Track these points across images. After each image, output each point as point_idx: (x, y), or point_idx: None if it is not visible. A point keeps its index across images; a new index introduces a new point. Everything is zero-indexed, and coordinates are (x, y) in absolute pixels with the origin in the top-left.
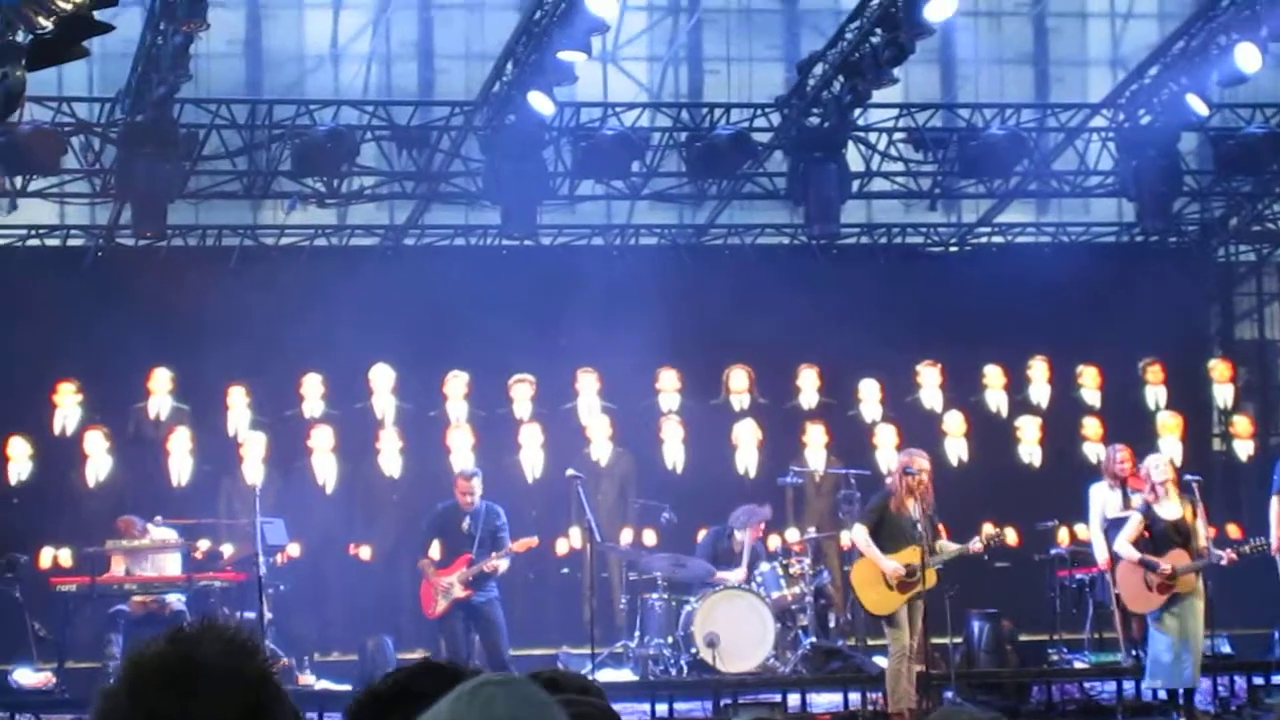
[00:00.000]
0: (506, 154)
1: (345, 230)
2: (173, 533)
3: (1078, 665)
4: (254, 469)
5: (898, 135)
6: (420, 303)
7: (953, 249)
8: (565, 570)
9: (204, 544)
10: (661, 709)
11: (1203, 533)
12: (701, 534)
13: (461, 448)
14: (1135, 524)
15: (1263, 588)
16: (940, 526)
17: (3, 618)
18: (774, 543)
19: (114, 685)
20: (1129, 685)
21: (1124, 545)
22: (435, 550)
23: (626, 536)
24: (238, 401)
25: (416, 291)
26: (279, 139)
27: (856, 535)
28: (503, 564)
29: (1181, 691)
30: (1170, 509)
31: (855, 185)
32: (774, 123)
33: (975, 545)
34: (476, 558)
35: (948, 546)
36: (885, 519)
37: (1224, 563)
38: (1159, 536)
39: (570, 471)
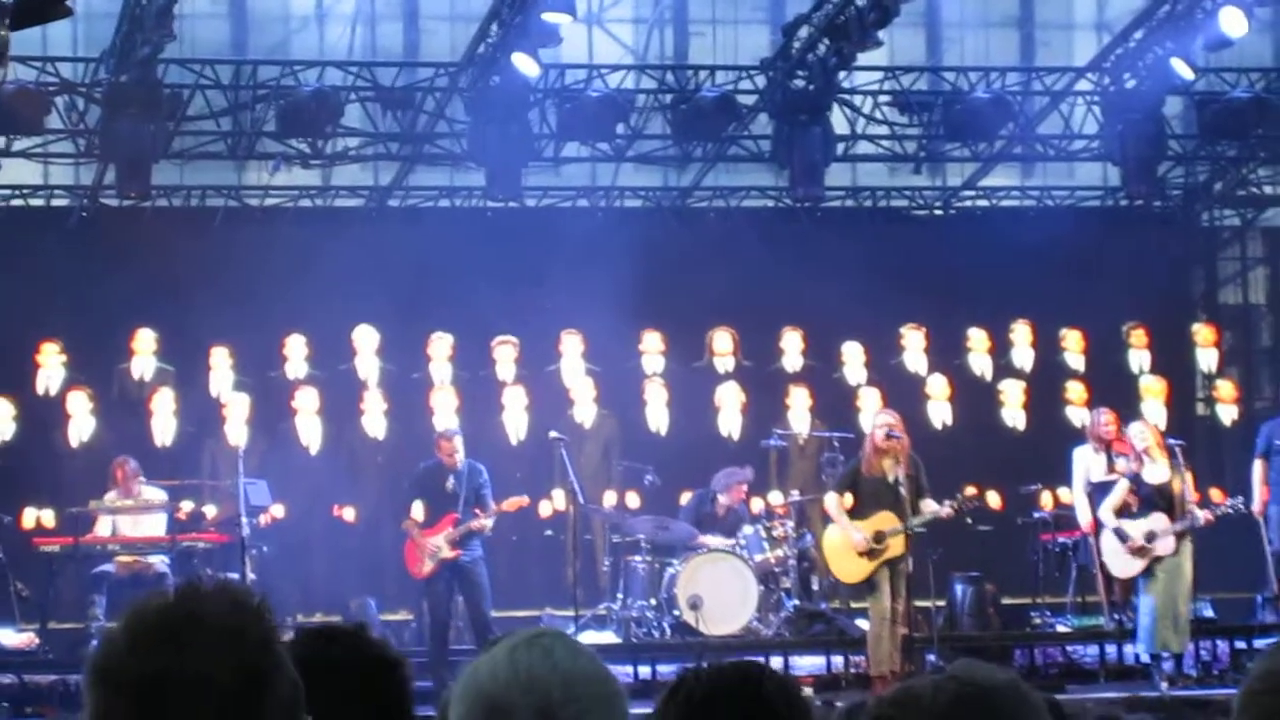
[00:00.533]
0: (491, 116)
1: (330, 191)
2: (161, 493)
3: (1060, 629)
4: (237, 430)
5: (883, 98)
6: (404, 264)
7: (937, 212)
8: (549, 532)
9: (187, 505)
10: (644, 671)
11: (1188, 496)
12: (685, 497)
13: (445, 409)
14: (1121, 491)
15: (1245, 552)
16: (923, 488)
17: None
18: (757, 505)
19: (114, 631)
20: (1111, 649)
21: (1106, 513)
22: (418, 510)
23: (610, 499)
24: (221, 362)
25: (400, 253)
26: (263, 100)
27: (828, 503)
28: (488, 523)
29: (1168, 655)
30: (1156, 473)
31: (840, 148)
32: (759, 85)
33: (945, 510)
34: (463, 517)
35: (927, 507)
36: (858, 483)
37: (1201, 524)
38: (1144, 501)
39: (553, 434)
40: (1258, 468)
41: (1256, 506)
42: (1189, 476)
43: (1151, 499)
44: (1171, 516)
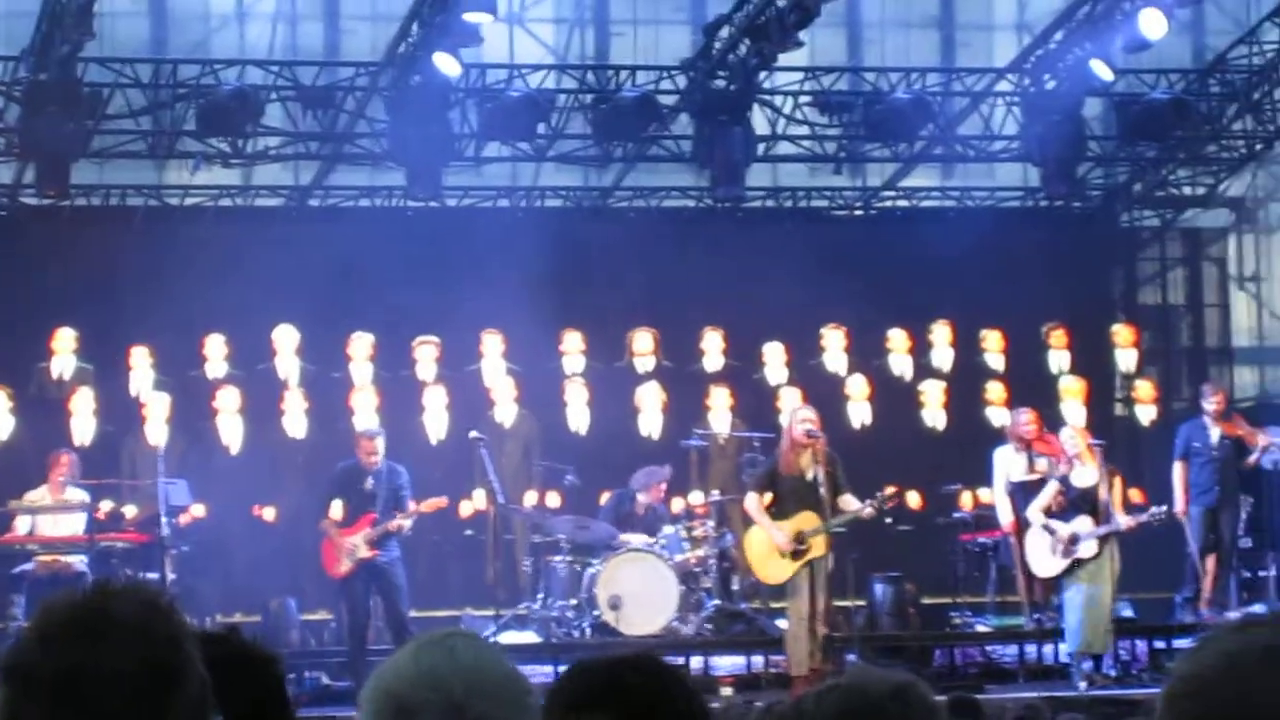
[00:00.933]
0: (412, 115)
1: (250, 191)
2: (82, 493)
3: (980, 629)
4: (157, 430)
5: (803, 99)
6: (325, 264)
7: (858, 213)
8: (469, 532)
9: (106, 505)
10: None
11: (1117, 499)
12: (605, 497)
13: (365, 409)
14: (1050, 492)
15: (1164, 552)
16: (841, 485)
17: None
18: (677, 505)
19: (25, 634)
20: (1031, 649)
21: (1034, 512)
22: (336, 510)
23: (530, 499)
24: (141, 362)
25: (321, 252)
26: (184, 98)
27: (748, 504)
28: (406, 524)
29: (1088, 656)
30: (1084, 476)
31: (761, 148)
32: (680, 85)
33: (866, 510)
34: (381, 517)
35: (849, 504)
36: (777, 482)
37: (1123, 529)
38: (1071, 503)
39: (474, 434)
40: (1178, 469)
41: (1179, 508)
42: (1119, 481)
43: (1078, 502)
44: (1096, 520)
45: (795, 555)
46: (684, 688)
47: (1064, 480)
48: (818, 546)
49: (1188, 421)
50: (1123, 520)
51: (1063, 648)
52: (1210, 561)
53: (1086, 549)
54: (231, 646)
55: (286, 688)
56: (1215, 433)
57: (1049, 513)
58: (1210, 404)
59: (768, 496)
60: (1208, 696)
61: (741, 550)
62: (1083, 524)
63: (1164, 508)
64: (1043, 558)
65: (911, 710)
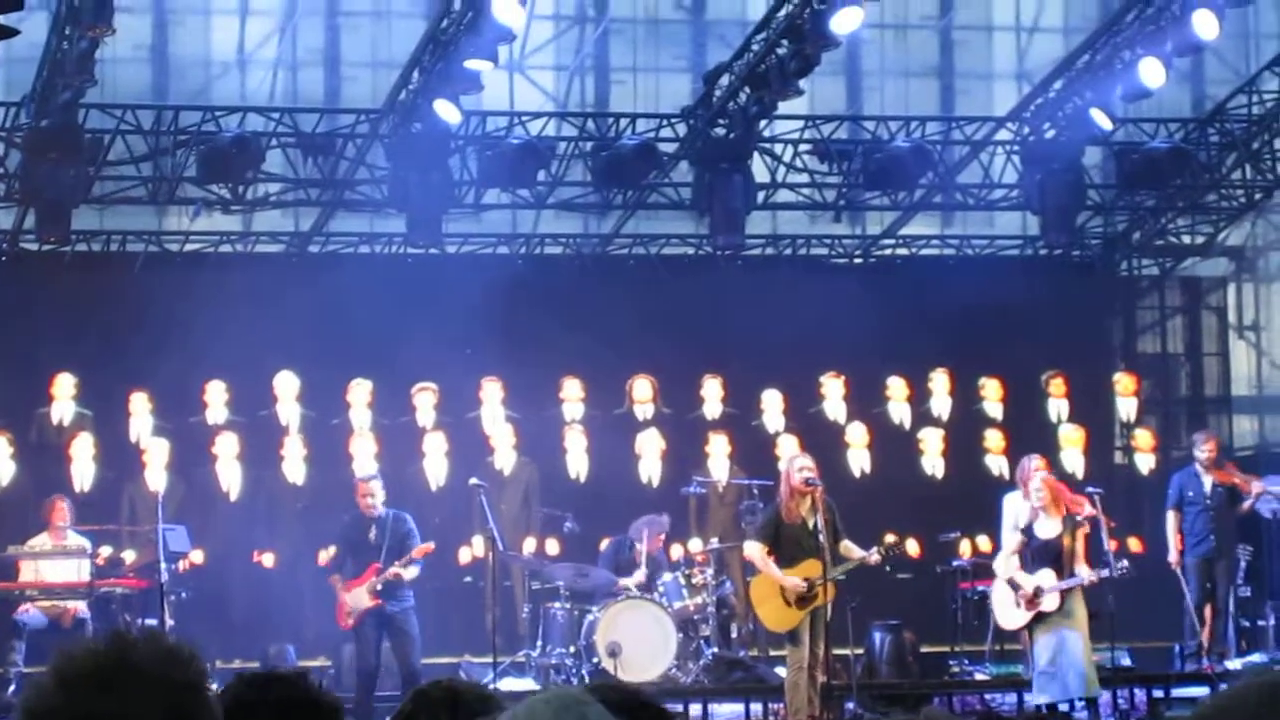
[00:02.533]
0: (412, 162)
1: (250, 237)
2: (83, 539)
3: (979, 677)
4: (157, 475)
5: (803, 147)
6: (324, 310)
7: (857, 261)
8: (468, 579)
9: (106, 550)
10: None
11: (1079, 553)
12: (604, 544)
13: (364, 455)
14: (1014, 541)
15: (1162, 601)
16: (840, 531)
17: None
18: (676, 552)
19: (45, 676)
20: (1029, 699)
21: (1000, 562)
22: (346, 566)
23: (529, 545)
24: (140, 408)
25: (321, 299)
26: (184, 145)
27: (752, 553)
28: (408, 571)
29: (1079, 701)
30: (1048, 528)
31: (760, 196)
32: (680, 133)
33: (873, 557)
34: (384, 566)
35: (851, 552)
36: (780, 531)
37: (1086, 583)
38: (1034, 553)
39: (473, 480)
40: (1171, 519)
41: (1173, 558)
42: (1081, 534)
43: (1041, 553)
44: (1059, 573)
45: (802, 603)
46: None
47: (1028, 531)
48: (823, 594)
49: (1180, 470)
50: (1086, 574)
51: (1031, 698)
52: (1207, 611)
53: (1049, 602)
54: (299, 690)
55: None
56: (1208, 481)
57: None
58: (1203, 452)
59: (768, 546)
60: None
61: (740, 598)
62: (1046, 577)
63: (1125, 563)
64: (1007, 609)
65: None
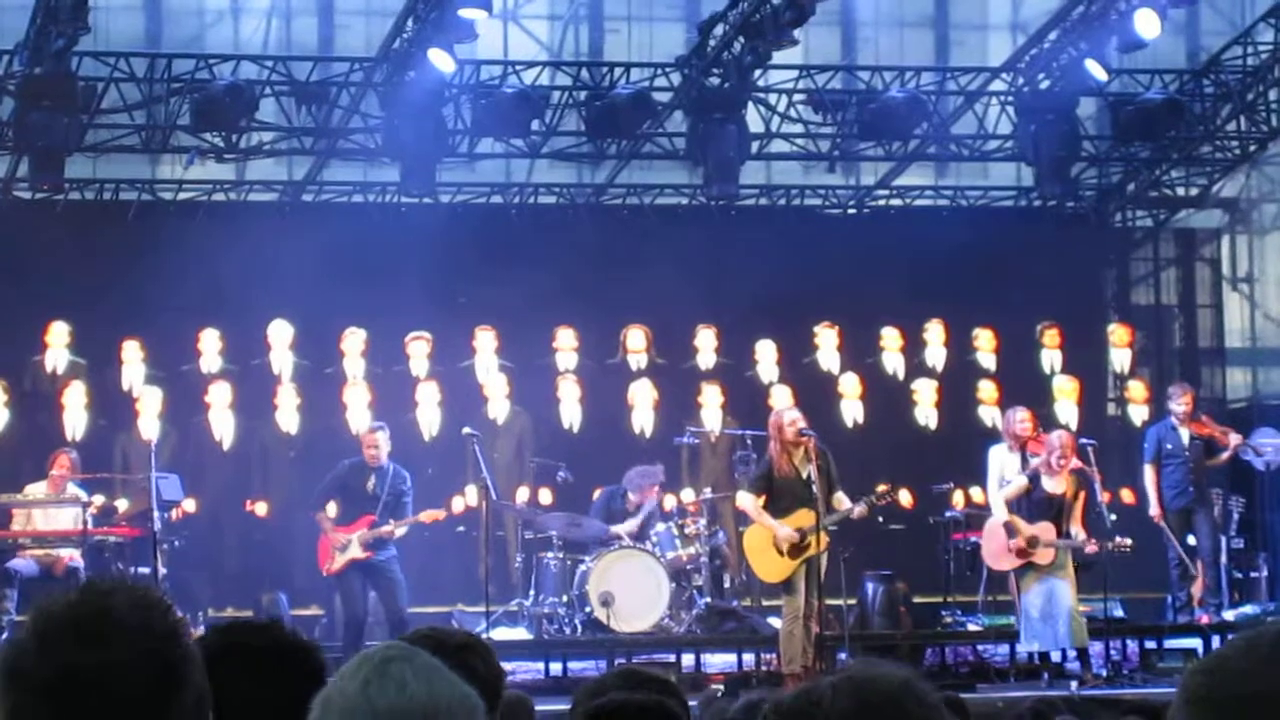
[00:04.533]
0: (406, 111)
1: (243, 186)
2: (81, 491)
3: (971, 628)
4: (150, 424)
5: (797, 97)
6: (318, 259)
7: (851, 211)
8: (461, 528)
9: (99, 499)
10: (555, 668)
11: (1078, 514)
12: (596, 493)
13: (358, 405)
14: (1018, 486)
15: (1155, 553)
16: (834, 482)
17: None
18: (669, 503)
19: (22, 636)
20: (1020, 648)
21: (998, 502)
22: (333, 507)
23: (522, 495)
24: (134, 356)
25: (314, 248)
26: (178, 93)
27: (745, 503)
28: (400, 530)
29: (1071, 652)
30: (1055, 483)
31: (754, 146)
32: (674, 83)
33: (860, 508)
34: (379, 520)
35: (841, 503)
36: (774, 483)
37: (1089, 551)
38: (1035, 504)
39: (467, 430)
40: (1149, 473)
41: (1154, 511)
42: (1082, 497)
43: (1040, 504)
44: (1058, 527)
45: (795, 553)
46: None
47: (1034, 479)
48: (816, 544)
49: (1156, 424)
50: (1083, 538)
51: (1022, 646)
52: (1196, 563)
53: (1043, 556)
54: (276, 637)
55: (326, 678)
56: (1185, 434)
57: (1011, 505)
58: (1179, 405)
59: (762, 498)
60: (1219, 672)
61: (733, 548)
62: (1046, 530)
63: (1129, 541)
64: (998, 551)
65: (923, 702)
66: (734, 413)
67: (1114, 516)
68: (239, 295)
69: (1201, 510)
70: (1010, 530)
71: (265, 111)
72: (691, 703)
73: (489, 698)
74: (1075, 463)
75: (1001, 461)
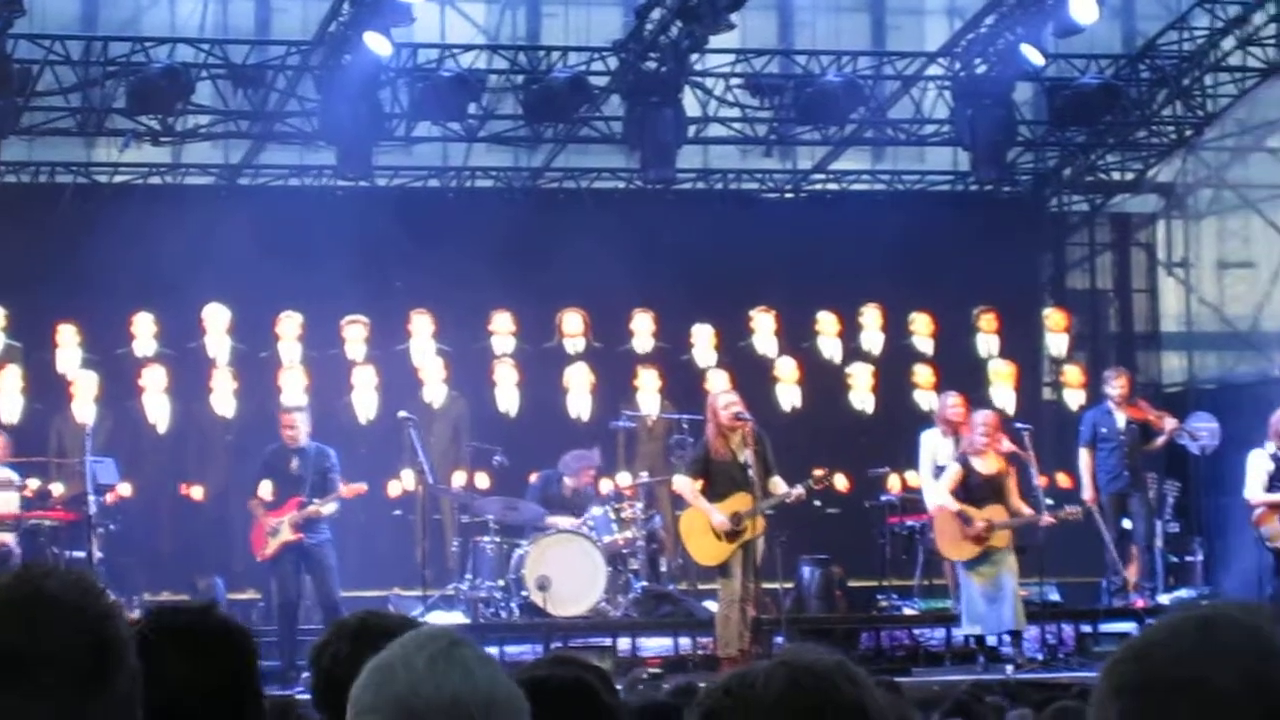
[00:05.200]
0: (342, 94)
1: (180, 169)
2: (12, 473)
3: (907, 611)
4: (85, 407)
5: (735, 81)
6: (254, 243)
7: (788, 195)
8: (397, 512)
9: (34, 483)
10: (492, 652)
11: (1015, 490)
12: (533, 477)
13: (294, 388)
14: (954, 474)
15: (1091, 537)
16: (771, 466)
17: None
18: (605, 487)
19: None
20: (957, 632)
21: (943, 494)
22: (266, 491)
23: (459, 479)
24: (69, 339)
25: (250, 231)
26: (114, 76)
27: (681, 487)
28: (328, 508)
29: (1006, 635)
30: (986, 463)
31: (691, 130)
32: (611, 67)
33: (796, 492)
34: (307, 500)
35: (777, 488)
36: (710, 466)
37: (1043, 523)
38: (974, 489)
39: (403, 414)
40: (1084, 456)
41: (1088, 495)
42: (1034, 461)
43: (981, 488)
44: (1004, 507)
45: (731, 536)
46: None
47: (965, 463)
48: (752, 528)
49: (1092, 408)
50: (1029, 512)
51: (963, 630)
52: (1132, 549)
53: (1000, 538)
54: (207, 620)
55: (258, 663)
56: (1121, 418)
57: (954, 495)
58: (1114, 389)
59: (699, 482)
60: (1146, 659)
61: (670, 532)
62: (997, 512)
63: (1079, 507)
64: (953, 541)
65: (856, 686)
66: (671, 397)
67: (1050, 502)
68: (175, 278)
69: (1137, 494)
70: (965, 518)
71: (201, 95)
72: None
73: None
74: (1009, 446)
75: (934, 446)
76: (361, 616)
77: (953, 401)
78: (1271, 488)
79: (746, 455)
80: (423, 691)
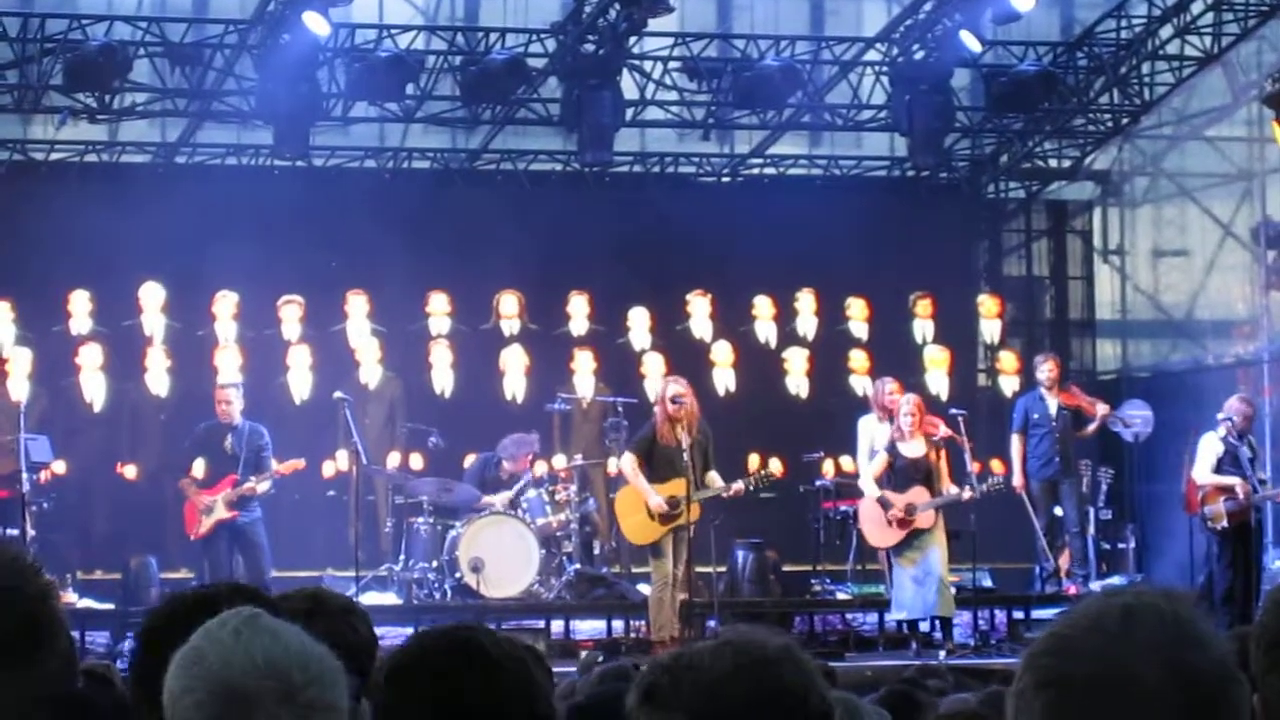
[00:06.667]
0: (280, 74)
1: (116, 147)
2: None
3: (840, 596)
4: (19, 385)
5: (673, 64)
6: (190, 221)
7: (725, 179)
8: (331, 493)
9: None
10: None
11: (945, 472)
12: (469, 459)
13: (229, 368)
14: (880, 461)
15: (1024, 523)
16: (709, 459)
17: None
18: (540, 469)
19: None
20: (888, 617)
21: (867, 482)
22: (199, 470)
23: (393, 460)
24: (3, 317)
25: (187, 210)
26: (51, 53)
27: (625, 464)
28: (264, 486)
29: (935, 621)
30: (913, 447)
31: (629, 113)
32: (549, 49)
33: (736, 486)
34: (241, 478)
35: (713, 481)
36: (654, 449)
37: (965, 498)
38: (899, 473)
39: (338, 394)
40: (1016, 442)
41: (1018, 481)
42: (943, 454)
43: (906, 471)
44: (928, 489)
45: (665, 519)
46: None
47: (892, 449)
48: (688, 513)
49: (1025, 394)
50: (955, 490)
51: (892, 615)
52: (1063, 534)
53: (924, 519)
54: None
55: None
56: (1053, 404)
57: (881, 481)
58: (1043, 374)
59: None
60: (1068, 653)
61: (604, 515)
62: (919, 494)
63: (1000, 477)
64: (878, 529)
65: (800, 668)
66: (606, 379)
67: (997, 478)
68: (110, 257)
69: (1068, 481)
70: (885, 503)
71: (139, 72)
72: (570, 669)
73: (365, 662)
74: (946, 430)
75: (871, 432)
76: (311, 594)
77: (890, 388)
78: (1220, 470)
79: (687, 442)
80: (236, 662)
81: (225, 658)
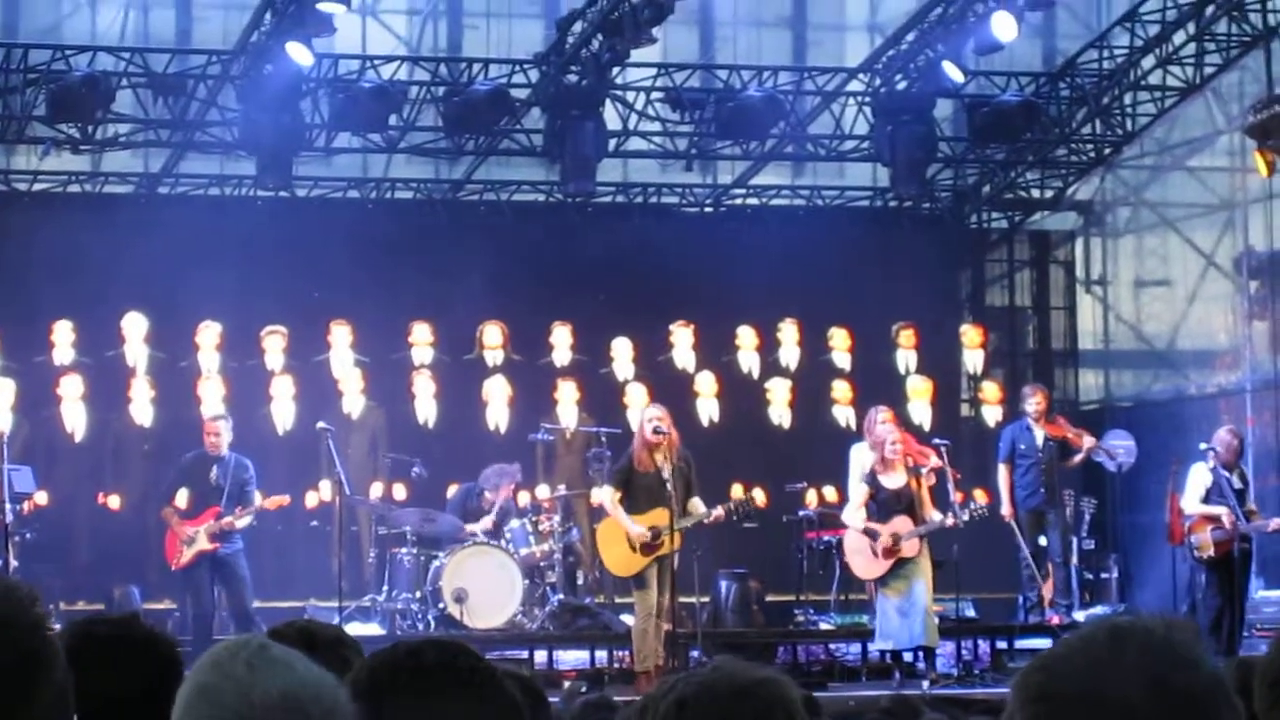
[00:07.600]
0: (263, 104)
1: (99, 177)
2: None
3: (824, 626)
4: (1, 416)
5: (655, 95)
6: (173, 252)
7: (708, 210)
8: (314, 523)
9: None
10: None
11: (927, 500)
12: (452, 489)
13: (212, 398)
14: (861, 493)
15: (1008, 553)
16: (692, 486)
17: None
18: (524, 499)
19: None
20: (872, 647)
21: (850, 514)
22: (182, 500)
23: (376, 490)
24: None
25: (170, 240)
26: (34, 83)
27: (604, 496)
28: (247, 520)
29: (919, 651)
30: (894, 479)
31: (612, 144)
32: (532, 79)
33: (716, 513)
34: (224, 510)
35: (696, 508)
36: (633, 479)
37: (949, 524)
38: (882, 505)
39: (321, 424)
40: (1002, 472)
41: (1006, 510)
42: (923, 483)
43: (888, 503)
44: (911, 518)
45: (647, 550)
46: None
47: (872, 481)
48: (669, 543)
49: (1011, 424)
50: (939, 517)
51: (876, 645)
52: (1049, 565)
53: (909, 548)
54: (134, 631)
55: (184, 671)
56: (1040, 434)
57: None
58: (1031, 405)
59: (619, 493)
60: (1056, 670)
61: (587, 545)
62: (903, 524)
63: (983, 504)
64: (864, 560)
65: (787, 701)
66: (589, 410)
67: (981, 505)
68: (93, 287)
69: (1053, 511)
70: (872, 534)
71: (122, 103)
72: (553, 699)
73: None
74: (936, 462)
75: (863, 460)
76: (302, 626)
77: (883, 417)
78: (1208, 500)
79: (667, 470)
80: (254, 696)
81: (243, 691)
